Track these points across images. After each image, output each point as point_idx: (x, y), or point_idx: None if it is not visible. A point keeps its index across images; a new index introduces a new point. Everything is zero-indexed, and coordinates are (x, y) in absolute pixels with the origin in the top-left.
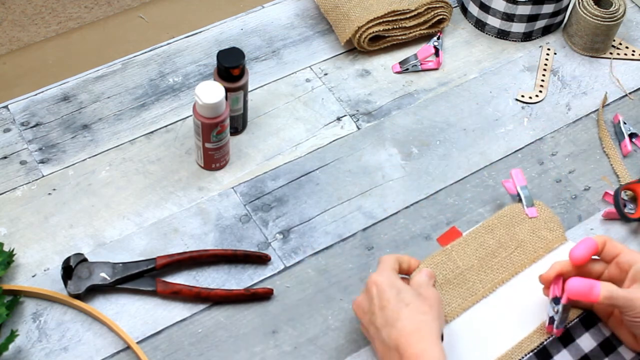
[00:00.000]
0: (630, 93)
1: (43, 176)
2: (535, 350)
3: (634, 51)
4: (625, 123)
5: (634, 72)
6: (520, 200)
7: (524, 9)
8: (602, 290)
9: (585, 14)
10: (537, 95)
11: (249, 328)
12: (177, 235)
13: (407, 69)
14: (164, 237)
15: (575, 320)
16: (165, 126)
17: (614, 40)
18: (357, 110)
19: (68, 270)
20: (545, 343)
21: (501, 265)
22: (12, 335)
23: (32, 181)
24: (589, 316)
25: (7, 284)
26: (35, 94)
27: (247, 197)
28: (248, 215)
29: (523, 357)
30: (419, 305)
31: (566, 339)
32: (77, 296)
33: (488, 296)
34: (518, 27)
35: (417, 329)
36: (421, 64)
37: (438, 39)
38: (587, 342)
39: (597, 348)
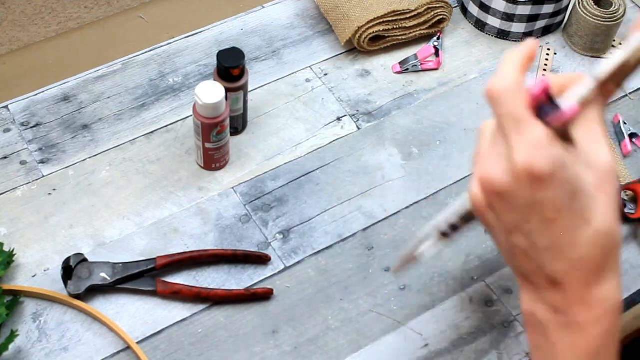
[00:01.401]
0: (630, 93)
1: (43, 176)
2: None
3: None
4: (625, 123)
5: None
6: None
7: (524, 9)
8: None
9: (585, 14)
10: None
11: (249, 328)
12: (177, 235)
13: (407, 69)
14: (164, 237)
15: None
16: (165, 126)
17: (614, 41)
18: (357, 110)
19: (68, 270)
20: None
21: None
22: (12, 336)
23: (32, 181)
24: None
25: (7, 284)
26: (35, 94)
27: (247, 197)
28: (248, 215)
29: None
30: (606, 214)
31: None
32: (77, 296)
33: None
34: (518, 27)
35: (601, 265)
36: (421, 64)
37: (438, 39)
38: None
39: None
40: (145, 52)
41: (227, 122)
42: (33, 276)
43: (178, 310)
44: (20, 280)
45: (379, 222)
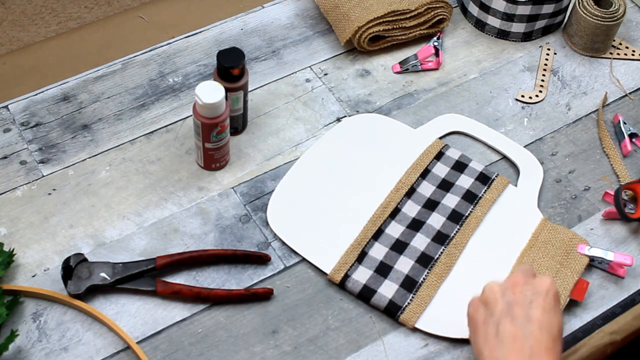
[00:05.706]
0: (630, 93)
1: (43, 176)
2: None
3: (634, 51)
4: (625, 123)
5: (634, 72)
6: None
7: (524, 9)
8: None
9: (585, 14)
10: (537, 95)
11: (249, 328)
12: (177, 235)
13: (407, 69)
14: (164, 237)
15: None
16: (165, 126)
17: (614, 40)
18: (357, 111)
19: (68, 270)
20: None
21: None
22: (12, 335)
23: (32, 181)
24: None
25: (7, 284)
26: (35, 94)
27: (247, 197)
28: (248, 215)
29: None
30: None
31: None
32: (77, 296)
33: None
34: (518, 27)
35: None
36: (421, 64)
37: (438, 39)
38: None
39: None
40: (145, 52)
41: (227, 122)
42: (33, 276)
43: (178, 310)
44: (20, 280)
45: None
